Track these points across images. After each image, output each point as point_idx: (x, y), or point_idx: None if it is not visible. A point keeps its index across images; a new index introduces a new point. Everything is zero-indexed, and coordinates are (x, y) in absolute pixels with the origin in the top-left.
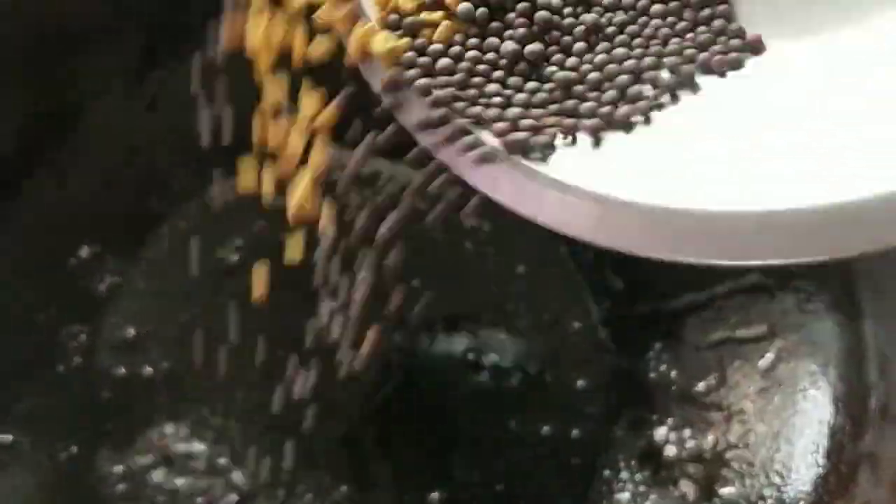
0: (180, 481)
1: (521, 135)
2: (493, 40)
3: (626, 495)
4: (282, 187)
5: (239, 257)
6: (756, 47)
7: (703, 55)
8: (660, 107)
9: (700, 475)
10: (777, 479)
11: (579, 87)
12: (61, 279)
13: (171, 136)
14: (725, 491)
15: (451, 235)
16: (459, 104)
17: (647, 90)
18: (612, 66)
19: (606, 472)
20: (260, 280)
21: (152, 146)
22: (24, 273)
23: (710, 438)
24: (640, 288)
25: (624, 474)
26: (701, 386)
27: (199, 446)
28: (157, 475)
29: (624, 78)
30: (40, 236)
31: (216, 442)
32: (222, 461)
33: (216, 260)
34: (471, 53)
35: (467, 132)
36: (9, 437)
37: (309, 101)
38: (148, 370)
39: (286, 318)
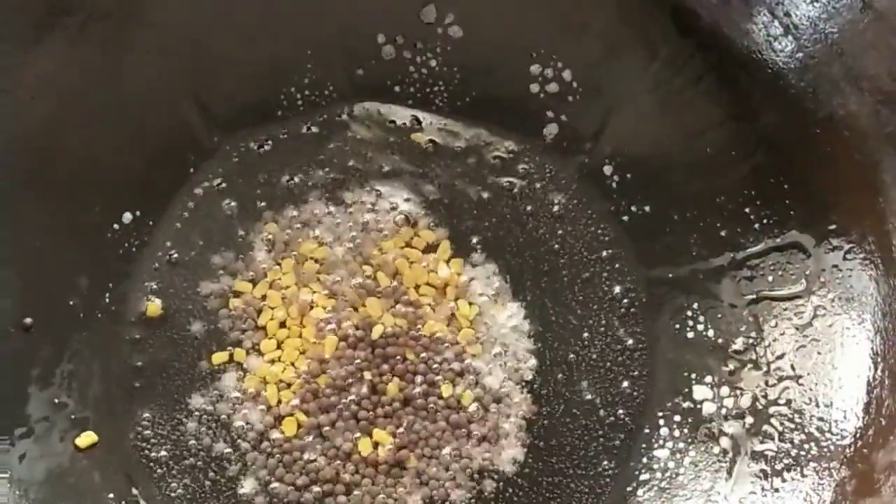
0: (218, 445)
1: None
2: None
3: (664, 452)
4: None
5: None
6: None
7: None
8: None
9: (739, 432)
10: (817, 434)
11: None
12: (93, 243)
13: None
14: (765, 447)
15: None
16: None
17: None
18: None
19: (646, 430)
20: None
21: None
22: (58, 237)
23: (749, 396)
24: (680, 249)
25: (663, 431)
26: (738, 344)
27: (233, 409)
28: (195, 438)
29: None
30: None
31: (253, 403)
32: (257, 423)
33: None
34: None
35: None
36: (56, 399)
37: None
38: (181, 334)
39: None
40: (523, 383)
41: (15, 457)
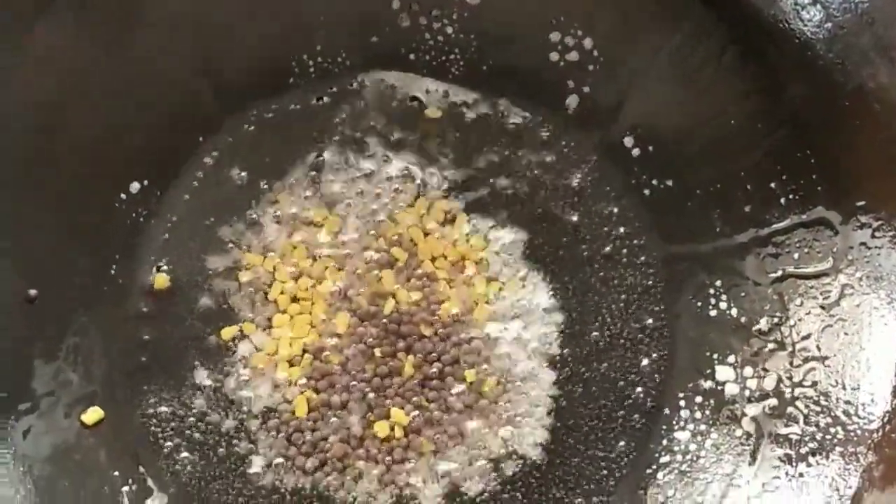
0: (227, 422)
1: None
2: None
3: (685, 434)
4: None
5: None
6: None
7: None
8: None
9: (762, 414)
10: (843, 418)
11: None
12: (99, 213)
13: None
14: (789, 431)
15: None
16: None
17: None
18: None
19: (666, 411)
20: None
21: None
22: (63, 208)
23: (773, 377)
24: (702, 225)
25: (684, 413)
26: (762, 323)
27: (242, 385)
28: (203, 415)
29: None
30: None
31: (262, 380)
32: (267, 401)
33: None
34: None
35: None
36: (61, 374)
37: None
38: (189, 308)
39: None
40: (544, 363)
41: (19, 432)
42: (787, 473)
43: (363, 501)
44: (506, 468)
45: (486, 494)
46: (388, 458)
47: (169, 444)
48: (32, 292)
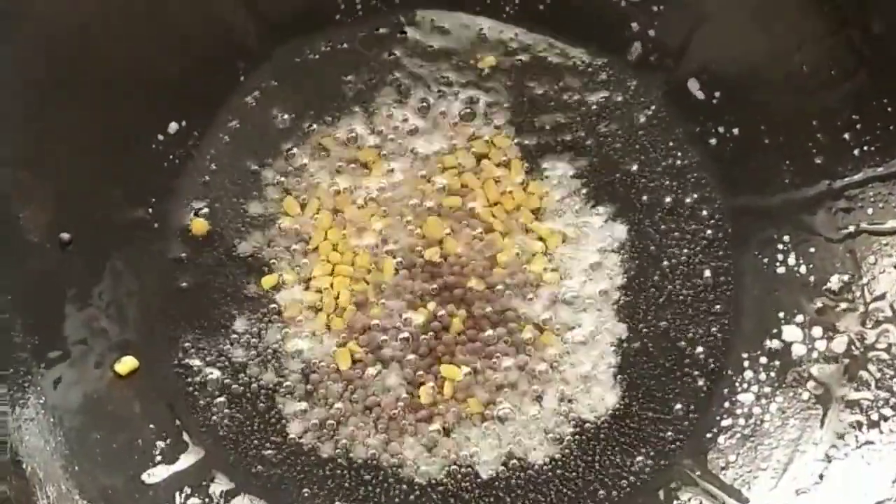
0: (267, 375)
1: None
2: None
3: (749, 396)
4: None
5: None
6: None
7: None
8: None
9: (831, 378)
10: None
11: None
12: (135, 154)
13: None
14: (860, 395)
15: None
16: None
17: None
18: None
19: (729, 372)
20: None
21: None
22: (97, 148)
23: (843, 339)
24: (770, 176)
25: (748, 374)
26: (833, 282)
27: (283, 336)
28: (242, 366)
29: None
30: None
31: (304, 331)
32: (308, 354)
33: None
34: None
35: None
36: (94, 321)
37: None
38: (227, 254)
39: None
40: (604, 321)
41: (49, 381)
42: (856, 440)
43: (412, 468)
44: (564, 432)
45: (545, 460)
46: (438, 421)
47: (206, 396)
48: (66, 236)
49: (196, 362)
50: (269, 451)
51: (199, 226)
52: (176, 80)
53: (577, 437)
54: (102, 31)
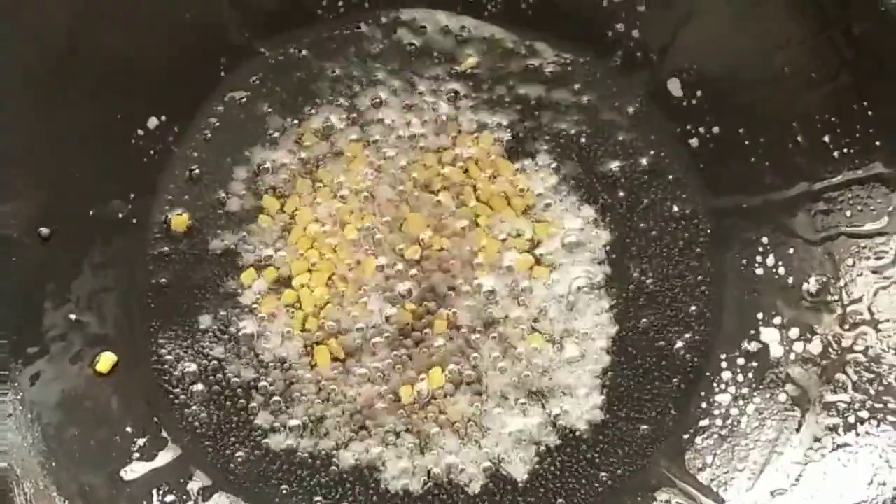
0: (246, 372)
1: None
2: None
3: (726, 397)
4: None
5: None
6: None
7: None
8: None
9: (808, 379)
10: None
11: None
12: (116, 149)
13: None
14: (837, 398)
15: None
16: None
17: None
18: None
19: (707, 373)
20: None
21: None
22: (78, 142)
23: (820, 341)
24: (750, 177)
25: (726, 375)
26: (811, 283)
27: (261, 333)
28: (220, 363)
29: None
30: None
31: (282, 328)
32: (287, 351)
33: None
34: None
35: None
36: (72, 317)
37: None
38: (206, 250)
39: None
40: (589, 321)
41: (27, 377)
42: (833, 442)
43: (391, 473)
44: (549, 439)
45: (529, 468)
46: (418, 425)
47: (184, 393)
48: (45, 231)
49: (174, 359)
50: (247, 449)
51: (179, 222)
52: (157, 75)
53: (562, 440)
54: (85, 28)
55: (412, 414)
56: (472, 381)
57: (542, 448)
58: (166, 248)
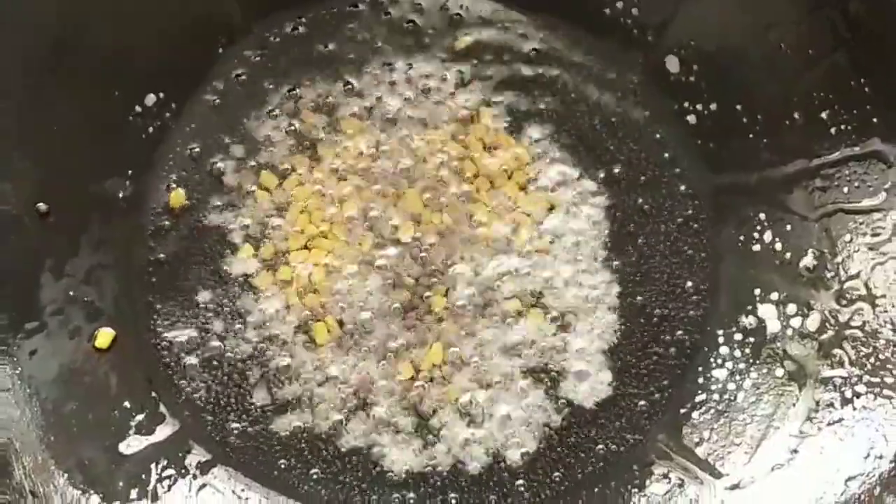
0: (243, 347)
1: None
2: None
3: (723, 372)
4: None
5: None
6: None
7: None
8: None
9: (805, 355)
10: (893, 360)
11: None
12: (113, 127)
13: None
14: (834, 373)
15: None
16: None
17: None
18: None
19: (704, 348)
20: None
21: None
22: (76, 119)
23: (818, 316)
24: (748, 154)
25: (723, 350)
26: (808, 260)
27: (260, 309)
28: (218, 339)
29: None
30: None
31: (281, 304)
32: (285, 327)
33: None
34: None
35: None
36: (70, 293)
37: None
38: (204, 227)
39: None
40: (592, 293)
41: (25, 352)
42: (830, 417)
43: (389, 450)
44: (551, 418)
45: (529, 448)
46: (417, 403)
47: (182, 368)
48: (43, 207)
49: (172, 334)
50: (245, 424)
51: (177, 198)
52: (155, 53)
53: (563, 419)
54: (83, 6)
55: (411, 391)
56: (473, 360)
57: (544, 427)
58: (164, 224)
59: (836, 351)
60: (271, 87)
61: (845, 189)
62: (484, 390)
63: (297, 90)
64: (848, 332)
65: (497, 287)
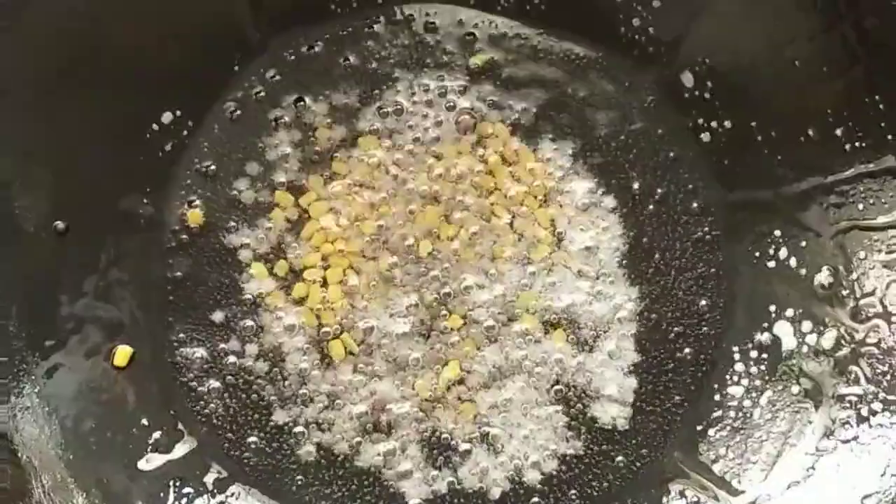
0: (259, 365)
1: None
2: None
3: (739, 389)
4: None
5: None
6: None
7: None
8: None
9: (821, 372)
10: None
11: None
12: (131, 144)
13: None
14: (850, 390)
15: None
16: None
17: None
18: None
19: (720, 365)
20: None
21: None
22: (95, 137)
23: (833, 333)
24: (762, 171)
25: (738, 367)
26: (823, 277)
27: (277, 327)
28: (235, 356)
29: None
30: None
31: (297, 321)
32: (302, 344)
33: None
34: None
35: None
36: (89, 310)
37: None
38: (222, 245)
39: None
40: (611, 311)
41: (44, 370)
42: (846, 434)
43: (406, 471)
44: (571, 441)
45: (547, 470)
46: (434, 422)
47: (199, 386)
48: (60, 225)
49: (189, 352)
50: (262, 441)
51: (195, 216)
52: (172, 71)
53: (581, 439)
54: (100, 24)
55: (428, 410)
56: (494, 379)
57: (561, 445)
58: (181, 242)
59: (852, 368)
60: (287, 104)
61: (860, 206)
62: (502, 411)
63: (313, 107)
64: (864, 349)
65: (515, 304)
